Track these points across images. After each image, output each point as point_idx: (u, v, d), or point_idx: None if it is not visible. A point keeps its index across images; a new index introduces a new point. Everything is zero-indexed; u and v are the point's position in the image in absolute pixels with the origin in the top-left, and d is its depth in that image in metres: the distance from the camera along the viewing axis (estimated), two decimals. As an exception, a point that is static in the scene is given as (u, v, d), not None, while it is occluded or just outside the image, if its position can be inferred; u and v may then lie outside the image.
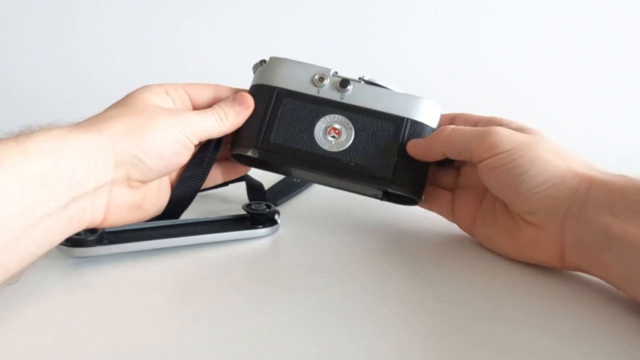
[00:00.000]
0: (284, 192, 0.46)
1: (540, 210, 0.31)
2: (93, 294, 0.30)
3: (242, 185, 0.44)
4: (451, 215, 0.38)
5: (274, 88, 0.38)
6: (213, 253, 0.35)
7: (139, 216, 0.34)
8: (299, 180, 0.48)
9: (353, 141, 0.37)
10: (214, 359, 0.25)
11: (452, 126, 0.35)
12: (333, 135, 0.37)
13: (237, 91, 0.39)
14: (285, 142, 0.37)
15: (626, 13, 0.77)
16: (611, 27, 0.78)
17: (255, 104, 0.38)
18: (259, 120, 0.37)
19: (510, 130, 0.33)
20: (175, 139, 0.33)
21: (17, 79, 0.69)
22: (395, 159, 0.36)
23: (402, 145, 0.36)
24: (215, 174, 0.41)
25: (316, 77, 0.38)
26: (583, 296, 0.31)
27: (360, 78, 0.38)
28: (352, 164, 0.36)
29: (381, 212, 0.42)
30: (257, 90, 0.38)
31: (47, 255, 0.28)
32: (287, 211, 0.43)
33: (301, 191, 0.48)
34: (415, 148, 0.36)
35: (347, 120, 0.37)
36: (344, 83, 0.37)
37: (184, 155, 0.34)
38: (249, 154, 0.37)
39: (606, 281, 0.31)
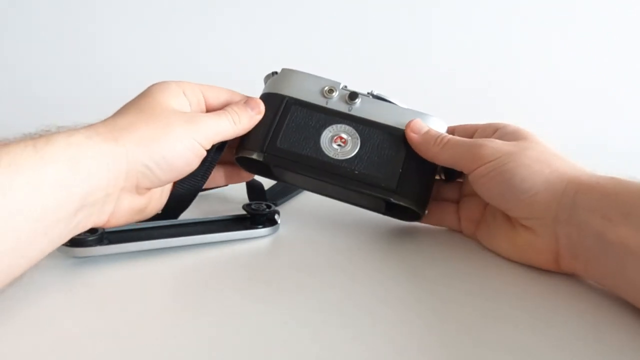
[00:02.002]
0: (284, 192, 0.46)
1: (532, 215, 0.32)
2: (93, 294, 0.30)
3: (242, 185, 0.44)
4: (458, 226, 0.39)
5: (283, 96, 0.38)
6: (213, 253, 0.35)
7: (141, 217, 0.35)
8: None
9: (358, 151, 0.37)
10: (214, 359, 0.25)
11: (450, 137, 0.36)
12: (339, 143, 0.37)
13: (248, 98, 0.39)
14: (290, 147, 0.37)
15: (626, 13, 0.77)
16: (612, 28, 0.78)
17: (264, 113, 0.38)
18: (266, 126, 0.37)
19: (498, 142, 0.34)
20: (190, 150, 0.33)
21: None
22: (400, 170, 0.36)
23: (407, 158, 0.37)
24: (218, 176, 0.41)
25: (326, 88, 0.38)
26: (582, 297, 0.31)
27: (369, 93, 0.39)
28: (356, 172, 0.36)
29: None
30: (266, 98, 0.39)
31: (47, 255, 0.28)
32: (287, 211, 0.43)
33: (301, 191, 0.48)
34: (413, 135, 0.36)
35: (354, 131, 0.37)
36: (353, 96, 0.38)
37: (195, 163, 0.34)
38: (254, 157, 0.37)
39: (602, 285, 0.31)
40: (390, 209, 0.39)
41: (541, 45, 0.79)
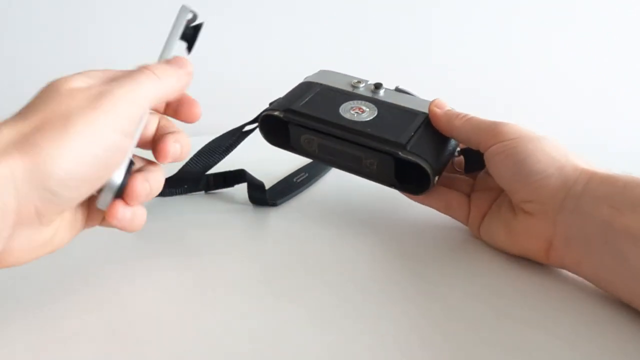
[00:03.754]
0: (283, 192, 0.46)
1: (537, 199, 0.32)
2: (93, 294, 0.30)
3: (244, 185, 0.44)
4: (465, 217, 0.39)
5: (314, 83, 0.42)
6: (212, 254, 0.35)
7: (46, 252, 0.26)
8: (299, 180, 0.48)
9: (374, 118, 0.38)
10: (213, 359, 0.25)
11: (472, 115, 0.36)
12: (357, 111, 0.39)
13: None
14: (311, 110, 0.39)
15: (627, 13, 0.77)
16: (612, 27, 0.78)
17: (294, 92, 0.42)
18: (293, 98, 0.41)
19: (519, 125, 0.34)
20: (104, 148, 0.24)
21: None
22: (412, 134, 0.37)
23: (423, 127, 0.38)
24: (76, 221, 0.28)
25: (354, 81, 0.42)
26: (585, 296, 0.31)
27: (395, 88, 0.42)
28: (368, 129, 0.37)
29: (382, 212, 0.42)
30: (298, 85, 0.43)
31: (48, 254, 0.28)
32: (287, 211, 0.43)
33: (301, 191, 0.48)
34: (437, 109, 0.38)
35: (373, 105, 0.39)
36: (378, 85, 0.41)
37: (121, 160, 0.26)
38: (276, 114, 0.39)
39: (590, 279, 0.31)
40: (399, 178, 0.38)
41: (541, 45, 0.79)
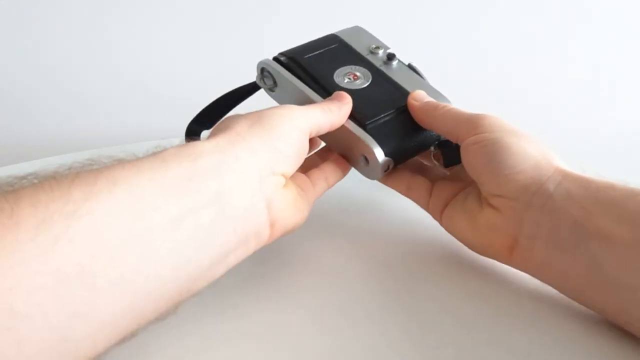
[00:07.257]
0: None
1: (507, 193, 0.31)
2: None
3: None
4: (426, 203, 0.37)
5: (337, 36, 0.42)
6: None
7: (301, 216, 0.33)
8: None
9: (361, 89, 0.38)
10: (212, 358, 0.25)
11: (452, 106, 0.36)
12: (350, 78, 0.39)
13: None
14: (309, 66, 0.39)
15: (627, 13, 0.77)
16: (613, 27, 0.78)
17: (314, 42, 0.42)
18: (307, 49, 0.41)
19: (502, 119, 0.33)
20: (296, 128, 0.32)
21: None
22: (382, 115, 0.36)
23: (397, 111, 0.37)
24: None
25: (373, 46, 0.41)
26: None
27: (408, 64, 0.41)
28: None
29: (379, 215, 0.42)
30: (324, 36, 0.43)
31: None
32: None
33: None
34: (414, 102, 0.37)
35: (370, 75, 0.39)
36: (390, 56, 0.41)
37: (306, 145, 0.33)
38: (282, 59, 0.39)
39: (556, 284, 0.30)
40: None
41: (540, 43, 0.79)
